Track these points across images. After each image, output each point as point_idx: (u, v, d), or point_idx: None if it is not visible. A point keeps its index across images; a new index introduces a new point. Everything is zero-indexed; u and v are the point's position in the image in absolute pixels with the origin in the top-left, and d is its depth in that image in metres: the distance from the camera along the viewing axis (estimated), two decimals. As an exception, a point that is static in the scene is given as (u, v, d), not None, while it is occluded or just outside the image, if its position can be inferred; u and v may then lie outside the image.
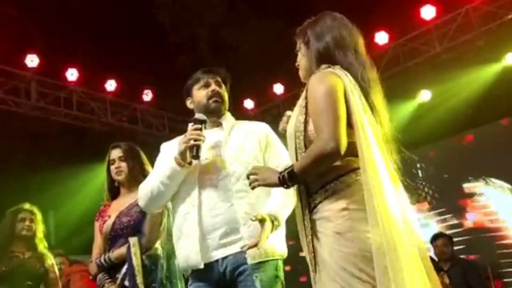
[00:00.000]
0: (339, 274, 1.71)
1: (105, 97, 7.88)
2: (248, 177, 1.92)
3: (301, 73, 2.06)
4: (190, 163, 2.24)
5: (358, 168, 1.79)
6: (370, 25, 6.83)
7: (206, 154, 2.27)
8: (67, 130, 7.57)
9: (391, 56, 7.12)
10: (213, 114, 2.41)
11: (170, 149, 2.37)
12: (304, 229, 1.83)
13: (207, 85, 2.43)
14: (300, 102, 1.90)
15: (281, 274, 2.26)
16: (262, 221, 2.05)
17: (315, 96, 1.82)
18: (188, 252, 2.22)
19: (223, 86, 2.48)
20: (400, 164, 1.87)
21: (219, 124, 2.41)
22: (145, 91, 8.29)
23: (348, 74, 1.86)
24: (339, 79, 1.84)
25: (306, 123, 1.84)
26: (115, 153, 3.01)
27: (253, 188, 1.92)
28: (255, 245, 2.03)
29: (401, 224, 1.69)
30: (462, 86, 6.60)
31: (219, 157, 2.29)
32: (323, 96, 1.79)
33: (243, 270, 2.18)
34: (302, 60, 2.04)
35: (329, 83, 1.81)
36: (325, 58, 1.93)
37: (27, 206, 3.62)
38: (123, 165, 2.96)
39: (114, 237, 2.87)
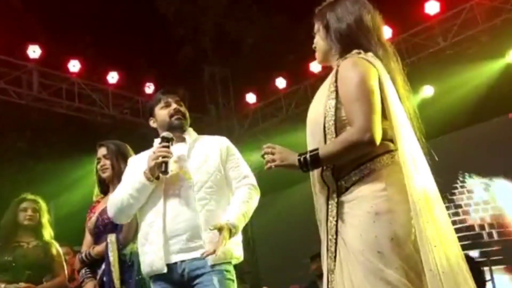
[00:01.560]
0: (369, 257, 1.66)
1: (107, 89, 7.87)
2: (263, 156, 1.92)
3: (318, 56, 2.02)
4: (158, 178, 2.39)
5: (392, 150, 1.77)
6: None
7: (171, 167, 2.41)
8: (68, 121, 7.58)
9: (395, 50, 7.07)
10: (176, 130, 2.56)
11: (138, 163, 2.52)
12: (327, 214, 1.78)
13: (167, 105, 2.59)
14: (327, 86, 1.85)
15: (234, 277, 2.42)
16: (220, 229, 2.23)
17: (348, 83, 1.77)
18: (152, 257, 2.38)
19: (183, 104, 2.63)
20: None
21: (182, 139, 2.56)
22: (147, 84, 8.28)
23: (379, 61, 1.82)
24: (373, 67, 1.79)
25: (336, 108, 1.78)
26: (101, 152, 3.07)
27: (269, 168, 1.89)
28: (214, 252, 2.19)
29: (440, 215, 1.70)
30: (465, 82, 6.59)
31: (183, 169, 2.45)
32: (358, 84, 1.74)
33: (200, 272, 2.33)
34: (319, 43, 1.99)
35: (363, 71, 1.76)
36: (347, 41, 1.88)
37: (30, 195, 3.61)
38: (107, 163, 3.02)
39: (97, 234, 2.95)
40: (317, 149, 1.76)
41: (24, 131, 7.17)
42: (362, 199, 1.72)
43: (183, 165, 2.46)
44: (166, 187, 2.43)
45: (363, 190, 1.73)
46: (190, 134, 2.61)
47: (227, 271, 2.37)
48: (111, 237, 2.83)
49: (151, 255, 2.39)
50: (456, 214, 6.89)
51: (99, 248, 2.88)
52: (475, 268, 5.42)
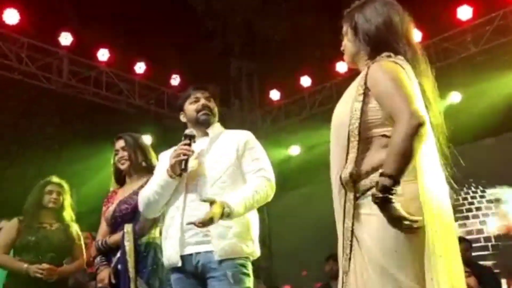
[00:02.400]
0: (383, 260, 1.65)
1: (134, 79, 7.97)
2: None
3: (346, 58, 2.01)
4: (180, 175, 2.46)
5: None
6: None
7: (191, 164, 2.49)
8: (95, 109, 7.69)
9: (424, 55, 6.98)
10: (203, 125, 2.64)
11: (166, 159, 2.58)
12: (344, 216, 1.77)
13: (196, 100, 2.67)
14: (355, 88, 1.83)
15: (249, 272, 2.44)
16: (212, 203, 2.26)
17: (380, 82, 1.75)
18: (170, 252, 2.47)
19: (212, 100, 2.71)
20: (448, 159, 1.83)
21: (206, 134, 2.64)
22: (174, 76, 8.35)
23: (408, 65, 1.80)
24: (403, 70, 1.77)
25: (362, 111, 1.77)
26: (119, 144, 3.14)
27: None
28: (202, 226, 2.23)
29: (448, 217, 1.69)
30: (494, 90, 6.46)
31: (202, 164, 2.51)
32: (390, 80, 1.73)
33: (213, 266, 2.37)
34: (347, 45, 1.98)
35: (394, 71, 1.76)
36: (376, 42, 1.86)
37: (55, 179, 3.68)
38: (125, 154, 3.08)
39: (114, 224, 3.01)
40: (383, 173, 1.65)
41: (52, 116, 7.31)
42: None
43: (202, 161, 2.51)
44: (188, 182, 2.49)
45: None
46: (214, 128, 2.65)
47: (241, 265, 2.39)
48: (128, 227, 2.89)
49: (169, 249, 2.47)
50: (475, 224, 6.79)
51: (115, 237, 2.95)
52: (493, 278, 5.35)
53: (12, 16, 6.57)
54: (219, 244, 2.35)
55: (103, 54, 7.55)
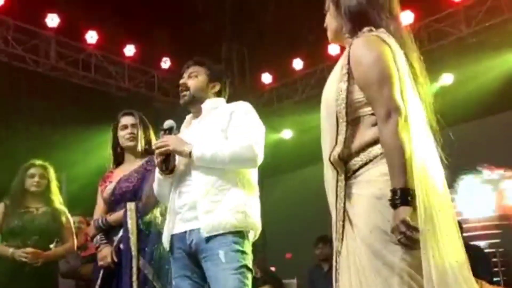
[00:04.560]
0: (374, 240, 1.62)
1: (123, 62, 7.86)
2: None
3: (329, 35, 1.96)
4: (169, 172, 2.40)
5: None
6: (396, 4, 6.64)
7: (176, 160, 2.44)
8: (84, 92, 7.59)
9: (415, 36, 6.86)
10: (188, 106, 2.56)
11: None
12: (336, 196, 1.74)
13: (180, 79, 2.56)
14: (340, 68, 1.78)
15: (244, 249, 2.31)
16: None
17: (363, 64, 1.71)
18: (165, 234, 2.47)
19: (194, 76, 2.54)
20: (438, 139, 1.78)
21: (199, 112, 2.54)
22: (164, 59, 8.25)
23: (393, 38, 1.75)
24: (386, 45, 1.72)
25: (348, 91, 1.72)
26: (128, 120, 3.06)
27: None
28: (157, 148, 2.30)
29: (443, 195, 1.65)
30: (486, 71, 6.45)
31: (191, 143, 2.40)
32: (373, 64, 1.69)
33: (205, 245, 2.28)
34: (330, 21, 1.93)
35: (377, 50, 1.70)
36: (357, 17, 1.81)
37: (38, 161, 3.60)
38: (136, 131, 3.01)
39: (114, 202, 2.97)
40: (398, 189, 1.59)
41: (40, 99, 7.21)
42: (370, 182, 1.69)
43: (191, 141, 2.39)
44: (178, 165, 2.44)
45: (371, 173, 1.70)
46: (205, 105, 2.53)
47: (234, 242, 2.27)
48: (131, 205, 2.87)
49: (165, 232, 2.47)
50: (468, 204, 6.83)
51: (117, 215, 2.91)
52: (484, 258, 5.39)
53: (-3, -2, 6.43)
54: (206, 220, 2.26)
55: (91, 36, 7.43)
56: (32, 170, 3.55)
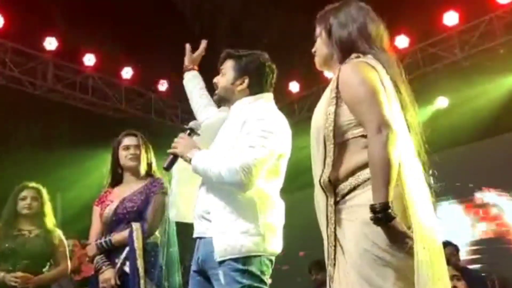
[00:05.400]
0: (363, 265, 1.62)
1: (120, 84, 7.89)
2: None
3: (318, 60, 1.98)
4: (166, 169, 2.28)
5: None
6: (390, 28, 6.71)
7: (182, 164, 2.28)
8: (81, 114, 7.59)
9: (410, 60, 7.03)
10: (220, 105, 2.43)
11: None
12: (327, 221, 1.74)
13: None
14: (328, 93, 1.81)
15: (248, 265, 2.08)
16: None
17: (350, 86, 1.73)
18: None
19: (225, 72, 2.37)
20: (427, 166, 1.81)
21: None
22: (161, 81, 8.29)
23: (380, 65, 1.78)
24: (374, 70, 1.75)
25: (336, 114, 1.74)
26: (131, 140, 3.05)
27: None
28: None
29: (431, 223, 1.66)
30: (481, 95, 6.51)
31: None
32: (360, 85, 1.71)
33: (211, 265, 2.12)
34: (321, 47, 1.95)
35: (364, 72, 1.73)
36: (347, 47, 1.84)
37: (30, 184, 3.56)
38: (139, 152, 3.01)
39: (115, 222, 2.92)
40: (377, 203, 1.60)
41: (37, 121, 7.20)
42: (359, 207, 1.69)
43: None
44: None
45: (360, 198, 1.70)
46: (232, 108, 2.33)
47: (239, 266, 2.06)
48: (136, 225, 2.81)
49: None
50: (465, 227, 6.80)
51: (120, 236, 2.84)
52: (482, 282, 5.36)
53: (-5, 20, 6.48)
54: (219, 241, 2.08)
55: (89, 59, 7.47)
56: (24, 193, 3.51)
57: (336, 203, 1.73)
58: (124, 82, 7.91)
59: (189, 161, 2.16)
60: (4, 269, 3.30)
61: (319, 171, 1.77)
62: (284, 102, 8.59)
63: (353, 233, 1.68)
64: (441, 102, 7.18)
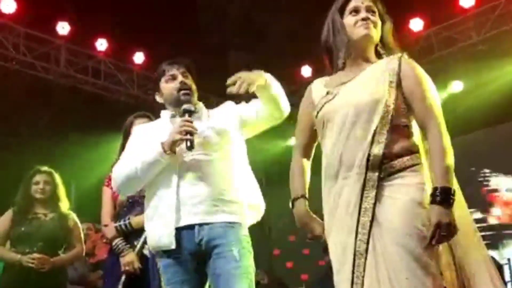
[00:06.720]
0: (410, 241, 1.69)
1: (132, 69, 7.90)
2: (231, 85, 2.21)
3: (374, 35, 1.96)
4: (175, 152, 2.21)
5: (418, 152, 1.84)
6: (405, 11, 6.64)
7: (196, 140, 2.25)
8: (93, 99, 7.63)
9: (425, 43, 6.93)
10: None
11: (148, 134, 2.34)
12: (361, 197, 1.77)
13: (173, 77, 2.38)
14: (380, 72, 1.88)
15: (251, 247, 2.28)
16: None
17: (422, 82, 1.85)
18: (161, 232, 2.20)
19: (189, 76, 2.41)
20: None
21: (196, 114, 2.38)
22: (173, 66, 8.26)
23: None
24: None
25: (397, 100, 1.83)
26: (144, 121, 2.99)
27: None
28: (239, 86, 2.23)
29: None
30: (496, 78, 6.41)
31: (203, 138, 2.27)
32: (430, 83, 1.87)
33: (219, 242, 2.16)
34: (377, 24, 1.97)
35: (426, 75, 1.91)
36: (386, 42, 2.01)
37: (42, 168, 3.58)
38: None
39: (130, 204, 2.91)
40: (444, 187, 1.71)
41: (50, 106, 7.25)
42: (407, 187, 1.75)
43: (202, 136, 2.27)
44: (181, 158, 2.23)
45: (408, 180, 1.77)
46: (202, 107, 2.43)
47: (247, 242, 2.23)
48: None
49: (160, 229, 2.20)
50: (478, 212, 6.76)
51: (138, 219, 2.80)
52: (496, 268, 5.32)
53: (9, 5, 6.49)
54: (228, 210, 2.23)
55: (101, 44, 7.48)
56: (36, 177, 3.54)
57: (380, 179, 1.77)
58: (136, 67, 7.92)
59: (264, 82, 2.35)
60: (21, 252, 3.35)
61: (352, 148, 1.80)
62: (296, 88, 8.55)
63: (399, 210, 1.72)
64: (456, 86, 7.08)
